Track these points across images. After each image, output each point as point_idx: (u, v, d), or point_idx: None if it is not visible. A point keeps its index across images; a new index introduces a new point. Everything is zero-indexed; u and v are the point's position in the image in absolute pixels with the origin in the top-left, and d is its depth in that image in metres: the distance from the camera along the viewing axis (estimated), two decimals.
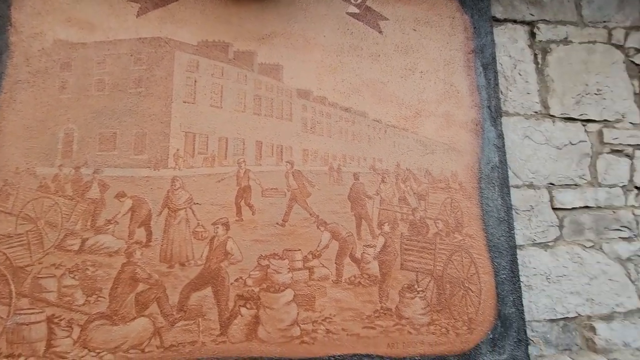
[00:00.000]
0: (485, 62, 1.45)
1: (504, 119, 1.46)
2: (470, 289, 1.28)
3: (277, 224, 1.20)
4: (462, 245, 1.30)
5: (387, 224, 1.27)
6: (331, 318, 1.18)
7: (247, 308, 1.13)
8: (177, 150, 1.20)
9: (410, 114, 1.37)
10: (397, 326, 1.21)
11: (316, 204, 1.24)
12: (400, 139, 1.34)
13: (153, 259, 1.12)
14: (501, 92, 1.48)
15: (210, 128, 1.23)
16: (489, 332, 1.25)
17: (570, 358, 1.34)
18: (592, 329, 1.36)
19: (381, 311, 1.21)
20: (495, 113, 1.42)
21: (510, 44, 1.54)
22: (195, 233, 1.16)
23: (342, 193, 1.26)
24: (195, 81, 1.26)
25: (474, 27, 1.46)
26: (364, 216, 1.26)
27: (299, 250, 1.20)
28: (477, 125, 1.40)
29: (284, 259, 1.18)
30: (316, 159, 1.27)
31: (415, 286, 1.25)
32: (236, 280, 1.15)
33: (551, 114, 1.51)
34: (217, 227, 1.16)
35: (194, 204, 1.18)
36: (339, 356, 1.16)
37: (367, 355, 1.17)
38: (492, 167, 1.37)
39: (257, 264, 1.17)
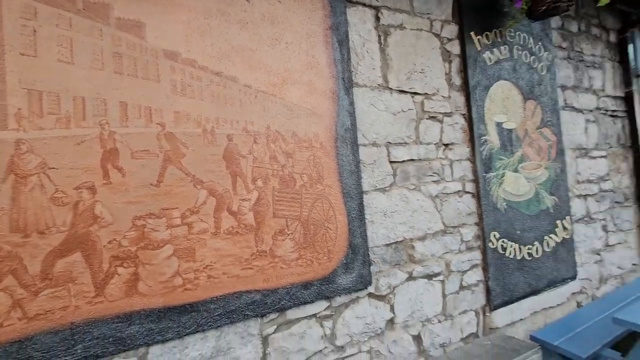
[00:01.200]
0: (340, 38, 1.70)
1: (355, 90, 1.77)
2: (329, 228, 1.59)
3: (151, 184, 1.23)
4: (322, 193, 1.59)
5: (260, 179, 1.44)
6: (212, 265, 1.31)
7: (124, 267, 1.16)
8: (19, 109, 1.07)
9: (277, 81, 1.52)
10: (271, 264, 1.43)
11: (192, 165, 1.31)
12: (270, 104, 1.49)
13: (1, 230, 1.02)
14: (353, 66, 1.77)
15: (62, 86, 1.13)
16: (343, 259, 1.61)
17: (399, 269, 1.83)
18: (413, 247, 1.88)
19: (257, 253, 1.41)
20: (348, 84, 1.71)
21: (360, 24, 1.82)
22: (54, 199, 1.09)
23: (217, 153, 1.36)
24: (35, 31, 1.11)
25: (331, 6, 1.67)
26: (239, 174, 1.40)
27: (177, 208, 1.27)
28: (334, 94, 1.66)
29: (162, 218, 1.23)
30: (189, 121, 1.32)
31: (286, 230, 1.49)
32: (109, 242, 1.15)
33: (389, 86, 1.89)
34: (81, 192, 1.12)
35: (49, 168, 1.10)
36: (221, 296, 1.32)
37: (247, 291, 1.37)
38: (345, 130, 1.67)
39: (132, 225, 1.19)
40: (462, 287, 2.04)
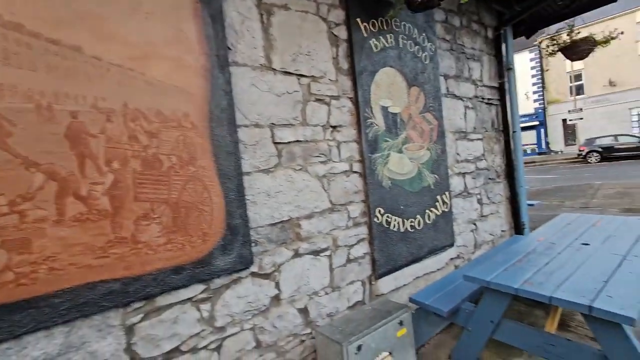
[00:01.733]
0: (213, 13, 1.63)
1: (235, 69, 1.73)
2: (204, 210, 1.56)
3: None
4: (195, 175, 1.54)
5: (116, 161, 1.34)
6: (55, 256, 1.19)
7: None
8: None
9: (137, 54, 1.41)
10: (134, 251, 1.36)
11: (23, 145, 1.15)
12: (127, 79, 1.37)
13: None
14: (231, 44, 1.72)
15: None
16: (220, 240, 1.60)
17: (285, 248, 1.88)
18: (299, 226, 1.95)
19: (115, 240, 1.31)
20: (223, 62, 1.66)
21: (239, 1, 1.76)
22: None
23: (58, 132, 1.22)
24: None
25: None
26: (88, 155, 1.28)
27: (2, 194, 1.11)
28: (206, 71, 1.60)
29: None
30: (16, 95, 1.15)
31: (151, 214, 1.41)
32: None
33: (273, 67, 1.88)
34: None
35: None
36: (68, 289, 1.21)
37: (102, 281, 1.28)
38: (221, 110, 1.63)
39: None
40: (349, 260, 2.19)
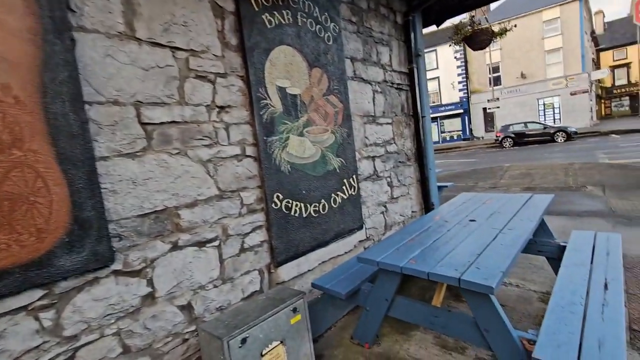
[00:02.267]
0: None
1: (83, 35, 1.46)
2: (38, 202, 1.31)
3: None
4: (24, 161, 1.28)
5: None
6: None
7: None
8: None
9: None
10: None
11: None
12: None
13: None
14: (75, 5, 1.45)
15: None
16: (64, 237, 1.36)
17: (161, 240, 1.70)
18: (178, 216, 1.77)
19: None
20: (62, 26, 1.39)
21: None
22: None
23: None
24: None
25: None
26: None
27: None
28: (36, 36, 1.33)
29: None
30: None
31: None
32: None
33: (137, 36, 1.65)
34: None
35: None
36: None
37: None
38: (60, 82, 1.37)
39: None
40: (243, 250, 2.08)
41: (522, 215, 2.51)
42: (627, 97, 38.18)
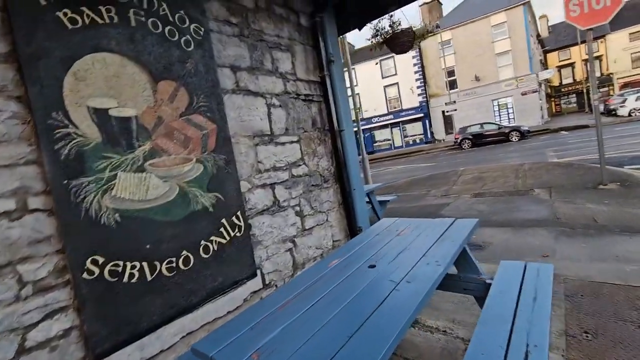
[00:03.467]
0: None
1: None
2: None
3: None
4: None
5: None
6: None
7: None
8: None
9: None
10: None
11: None
12: None
13: None
14: None
15: None
16: None
17: None
18: None
19: None
20: None
21: None
22: None
23: None
24: None
25: None
26: None
27: None
28: None
29: None
30: None
31: None
32: None
33: None
34: None
35: None
36: None
37: None
38: None
39: None
40: (25, 350, 1.42)
41: (435, 253, 2.01)
42: (574, 95, 40.73)
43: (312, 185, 3.08)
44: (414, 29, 3.68)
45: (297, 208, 2.89)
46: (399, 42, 3.58)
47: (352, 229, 3.42)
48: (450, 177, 9.46)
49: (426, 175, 10.57)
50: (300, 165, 2.96)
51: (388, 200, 5.29)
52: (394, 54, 27.61)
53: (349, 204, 3.42)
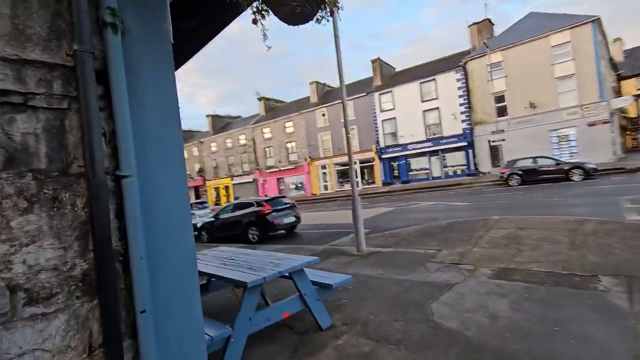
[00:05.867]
0: None
1: None
2: None
3: None
4: None
5: None
6: None
7: None
8: None
9: None
10: None
11: None
12: None
13: None
14: None
15: None
16: None
17: None
18: None
19: None
20: None
21: None
22: None
23: None
24: None
25: None
26: None
27: None
28: None
29: None
30: None
31: None
32: None
33: None
34: None
35: None
36: None
37: None
38: None
39: None
40: None
41: None
42: None
43: (6, 315, 1.22)
44: None
45: None
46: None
47: None
48: (477, 229, 6.99)
49: (446, 224, 8.14)
50: None
51: (333, 285, 3.20)
52: (435, 77, 25.00)
53: (121, 346, 1.49)
